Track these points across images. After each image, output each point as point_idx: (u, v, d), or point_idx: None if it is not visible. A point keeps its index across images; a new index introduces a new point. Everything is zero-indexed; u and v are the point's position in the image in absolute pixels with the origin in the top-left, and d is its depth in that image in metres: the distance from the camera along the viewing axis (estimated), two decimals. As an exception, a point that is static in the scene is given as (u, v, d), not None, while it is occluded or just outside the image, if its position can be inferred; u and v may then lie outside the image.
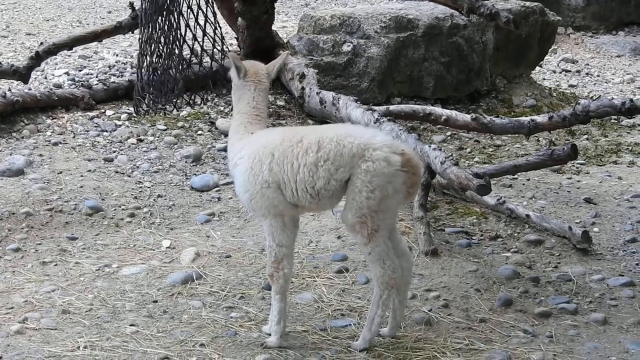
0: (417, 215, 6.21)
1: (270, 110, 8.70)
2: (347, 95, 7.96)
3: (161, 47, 8.38)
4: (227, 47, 8.92)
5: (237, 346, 4.81)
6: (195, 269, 5.74)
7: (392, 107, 8.10)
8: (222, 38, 8.73)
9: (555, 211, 6.93)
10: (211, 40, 8.59)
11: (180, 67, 8.42)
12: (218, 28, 8.63)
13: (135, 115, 8.40)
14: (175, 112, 8.44)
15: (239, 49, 9.44)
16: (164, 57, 8.38)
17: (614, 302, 5.40)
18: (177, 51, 8.34)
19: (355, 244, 6.01)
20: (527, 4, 10.78)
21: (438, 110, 7.91)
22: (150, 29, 8.34)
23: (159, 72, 8.38)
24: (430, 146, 6.43)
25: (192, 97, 8.62)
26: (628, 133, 9.74)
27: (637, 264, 5.97)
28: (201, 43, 8.48)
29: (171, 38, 8.33)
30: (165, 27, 8.31)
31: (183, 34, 8.32)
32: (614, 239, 6.41)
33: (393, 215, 4.81)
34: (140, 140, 7.92)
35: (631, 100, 6.63)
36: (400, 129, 6.71)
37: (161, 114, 8.41)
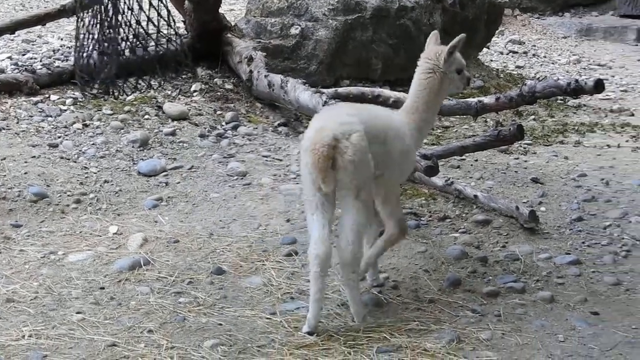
0: (366, 197, 6.19)
1: (218, 93, 8.65)
2: (295, 78, 7.93)
3: (103, 30, 8.31)
4: (176, 30, 8.85)
5: (186, 331, 4.76)
6: (143, 255, 5.68)
7: (340, 90, 8.09)
8: (172, 21, 8.66)
9: (502, 191, 6.97)
10: (155, 23, 8.53)
11: (119, 50, 8.37)
12: (165, 10, 8.57)
13: (82, 97, 8.29)
14: (124, 96, 8.35)
15: (186, 32, 9.37)
16: (106, 40, 8.32)
17: (561, 280, 5.43)
18: (117, 34, 8.29)
19: (305, 227, 6.02)
20: (474, -14, 10.82)
21: (386, 92, 7.92)
22: (91, 12, 8.28)
23: (99, 55, 8.33)
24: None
25: (140, 82, 8.55)
26: (574, 113, 9.83)
27: (583, 243, 6.02)
28: (146, 27, 8.43)
29: (112, 22, 8.27)
30: (107, 10, 8.25)
31: (125, 17, 8.28)
32: (561, 218, 6.46)
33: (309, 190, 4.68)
34: (86, 125, 7.80)
35: (576, 80, 6.66)
36: (348, 111, 6.70)
37: (106, 99, 8.32)
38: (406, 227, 5.19)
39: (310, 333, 4.71)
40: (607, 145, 8.52)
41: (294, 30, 9.31)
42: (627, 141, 8.75)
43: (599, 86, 6.52)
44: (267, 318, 4.93)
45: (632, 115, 9.97)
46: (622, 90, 11.23)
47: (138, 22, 8.39)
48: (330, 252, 4.66)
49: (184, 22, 9.51)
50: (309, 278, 4.72)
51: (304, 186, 4.75)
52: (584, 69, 12.66)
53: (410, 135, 5.02)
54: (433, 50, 5.21)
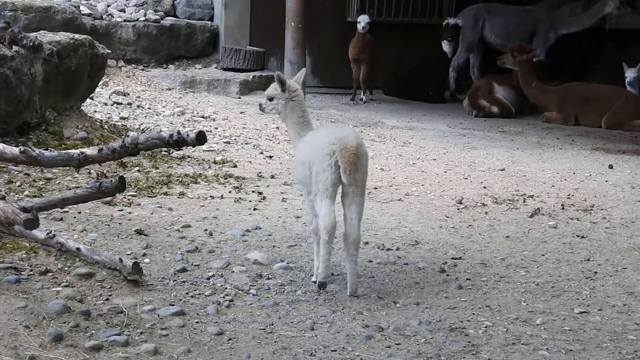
0: (-39, 253, 5.90)
1: None
2: None
3: None
4: None
5: None
6: None
7: None
8: None
9: (107, 243, 6.90)
10: None
11: None
12: None
13: None
14: None
15: None
16: None
17: (165, 331, 5.44)
18: None
19: None
20: (77, 36, 10.73)
21: (-19, 143, 7.61)
22: None
23: None
24: (-26, 180, 6.16)
25: None
26: (178, 164, 9.98)
27: (187, 293, 6.08)
28: None
29: None
30: None
31: None
32: (165, 269, 6.50)
33: None
34: None
35: (179, 132, 6.77)
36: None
37: None
38: None
39: (322, 284, 6.19)
40: (211, 196, 8.72)
41: None
42: (230, 192, 9.00)
43: (201, 138, 6.67)
44: None
45: (235, 166, 10.28)
46: (225, 142, 11.56)
47: None
48: (335, 225, 6.06)
49: None
50: (319, 245, 6.13)
51: (320, 180, 6.00)
52: (188, 120, 12.90)
53: None
54: (295, 83, 6.56)
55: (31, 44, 6.97)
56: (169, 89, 15.34)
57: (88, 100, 11.75)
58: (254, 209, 8.37)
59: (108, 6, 16.89)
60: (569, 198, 9.61)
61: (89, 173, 8.88)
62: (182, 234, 7.37)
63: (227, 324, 5.63)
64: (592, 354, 5.44)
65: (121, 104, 13.25)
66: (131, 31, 16.35)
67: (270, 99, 6.56)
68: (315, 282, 6.28)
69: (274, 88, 6.56)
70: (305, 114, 6.54)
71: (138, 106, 13.32)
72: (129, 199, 8.24)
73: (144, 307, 5.75)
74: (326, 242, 6.06)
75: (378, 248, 7.36)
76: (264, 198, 8.81)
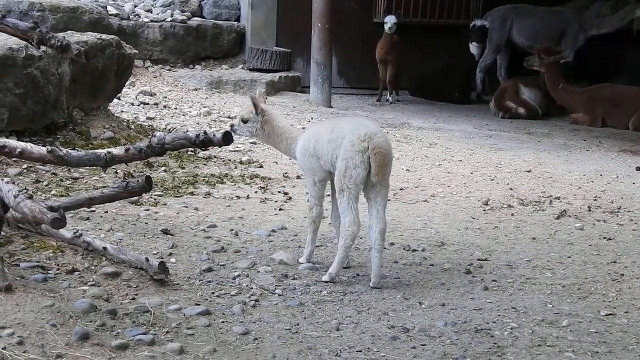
0: (-11, 252, 5.93)
1: None
2: None
3: None
4: None
5: None
6: None
7: (-39, 139, 7.70)
8: None
9: (133, 243, 6.94)
10: None
11: None
12: None
13: None
14: None
15: None
16: None
17: (191, 331, 5.46)
18: None
19: None
20: (104, 36, 10.78)
21: (12, 142, 7.63)
22: None
23: None
24: (2, 180, 6.19)
25: None
26: (204, 165, 10.01)
27: (213, 293, 6.10)
28: None
29: None
30: None
31: None
32: (191, 269, 6.52)
33: None
34: None
35: (205, 132, 6.76)
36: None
37: None
38: None
39: (333, 279, 6.41)
40: (237, 196, 8.74)
41: None
42: (256, 192, 9.02)
43: (227, 138, 6.66)
44: None
45: (261, 166, 10.30)
46: (251, 142, 11.57)
47: None
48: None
49: None
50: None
51: (351, 176, 6.13)
52: (215, 121, 12.92)
53: None
54: (262, 103, 6.72)
55: (59, 44, 6.96)
56: (196, 90, 15.37)
57: (115, 100, 11.80)
58: (280, 209, 8.39)
59: (135, 6, 16.94)
60: (595, 200, 9.56)
61: (116, 173, 8.92)
62: (208, 233, 7.39)
63: (252, 323, 5.65)
64: (618, 356, 5.42)
65: (148, 104, 13.29)
66: (158, 31, 16.39)
67: (245, 122, 6.73)
68: (302, 263, 6.76)
69: (249, 111, 6.71)
70: (282, 122, 6.78)
71: (164, 106, 13.36)
72: (155, 199, 8.27)
73: (170, 307, 5.77)
74: (349, 246, 6.35)
75: (404, 249, 7.35)
76: (290, 198, 8.82)
